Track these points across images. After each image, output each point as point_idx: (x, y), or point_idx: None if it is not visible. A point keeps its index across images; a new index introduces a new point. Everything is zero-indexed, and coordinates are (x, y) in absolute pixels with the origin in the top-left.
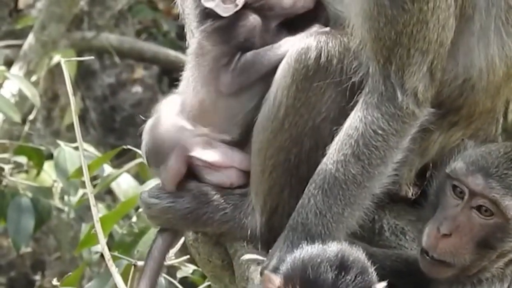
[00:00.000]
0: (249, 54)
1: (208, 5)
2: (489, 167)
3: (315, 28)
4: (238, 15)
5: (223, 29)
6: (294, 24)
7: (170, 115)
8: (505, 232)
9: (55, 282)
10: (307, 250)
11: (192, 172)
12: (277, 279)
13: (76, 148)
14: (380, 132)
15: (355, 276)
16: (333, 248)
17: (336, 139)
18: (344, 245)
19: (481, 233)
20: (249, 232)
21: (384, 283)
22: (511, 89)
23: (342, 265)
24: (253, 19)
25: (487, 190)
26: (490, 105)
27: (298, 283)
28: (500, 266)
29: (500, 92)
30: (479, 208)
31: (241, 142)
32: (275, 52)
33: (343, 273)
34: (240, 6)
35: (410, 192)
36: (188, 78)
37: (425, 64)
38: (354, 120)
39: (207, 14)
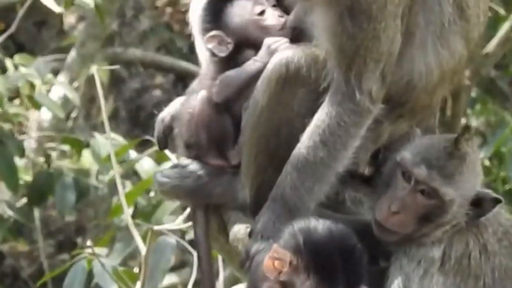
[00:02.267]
0: (232, 70)
1: (209, 46)
2: (431, 159)
3: (288, 43)
4: (235, 52)
5: (225, 61)
6: None
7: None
8: (442, 210)
9: (89, 243)
10: (315, 228)
11: (195, 154)
12: (287, 254)
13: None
14: (342, 124)
15: (359, 259)
16: (339, 231)
17: (308, 129)
18: (347, 230)
19: (423, 210)
20: (240, 203)
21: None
22: (445, 89)
23: (348, 248)
24: (247, 53)
25: (428, 179)
26: (429, 101)
27: (306, 259)
28: (439, 233)
29: (436, 91)
30: (422, 191)
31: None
32: (250, 66)
33: (349, 255)
34: (230, 48)
35: (366, 170)
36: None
37: (378, 70)
38: (322, 114)
39: (212, 52)
